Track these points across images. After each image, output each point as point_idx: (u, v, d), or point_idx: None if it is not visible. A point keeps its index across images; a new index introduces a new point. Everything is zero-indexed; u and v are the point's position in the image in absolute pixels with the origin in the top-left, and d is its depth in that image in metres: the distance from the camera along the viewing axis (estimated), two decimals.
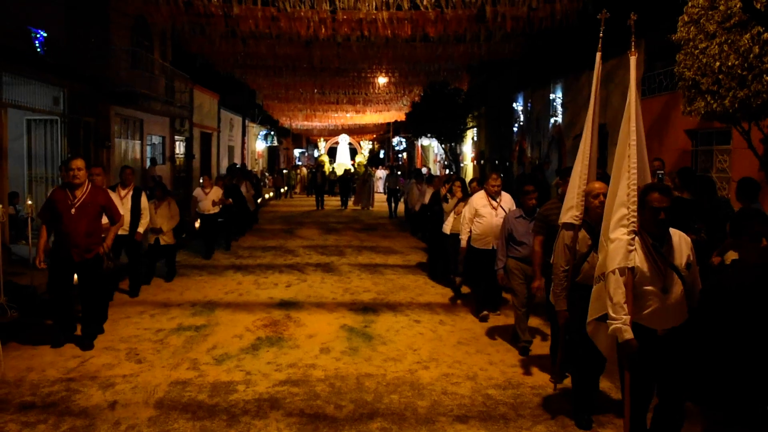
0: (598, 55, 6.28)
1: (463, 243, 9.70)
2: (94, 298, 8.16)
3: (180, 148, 27.39)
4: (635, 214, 4.74)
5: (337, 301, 10.79)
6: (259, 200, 23.48)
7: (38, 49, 16.15)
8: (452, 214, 11.13)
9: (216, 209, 15.16)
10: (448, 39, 16.36)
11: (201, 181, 16.33)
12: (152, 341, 8.32)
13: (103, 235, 8.21)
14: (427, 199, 15.42)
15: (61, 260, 7.85)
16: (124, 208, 9.95)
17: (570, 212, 6.02)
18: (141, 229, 10.64)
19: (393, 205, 26.59)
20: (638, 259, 4.67)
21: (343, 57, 18.95)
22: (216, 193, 15.22)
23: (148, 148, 23.48)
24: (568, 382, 6.64)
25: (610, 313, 4.68)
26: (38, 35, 16.30)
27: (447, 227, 11.33)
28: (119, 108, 19.73)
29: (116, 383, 6.74)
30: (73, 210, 7.69)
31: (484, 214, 9.38)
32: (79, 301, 8.17)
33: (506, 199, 9.56)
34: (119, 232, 9.10)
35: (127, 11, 19.49)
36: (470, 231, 9.56)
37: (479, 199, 9.58)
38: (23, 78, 14.42)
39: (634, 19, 5.73)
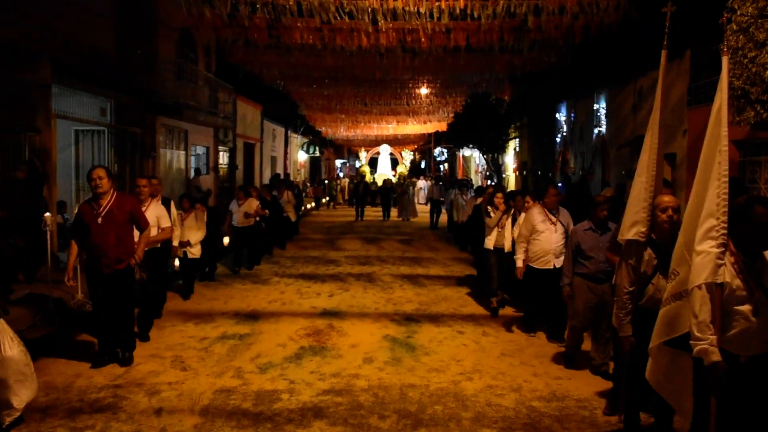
0: (664, 53, 5.71)
1: (520, 262, 9.06)
2: (127, 311, 7.88)
3: (223, 158, 27.68)
4: (725, 225, 4.32)
5: (380, 312, 10.79)
6: (300, 211, 23.57)
7: (87, 61, 16.46)
8: (495, 228, 10.55)
9: (250, 221, 14.66)
10: (490, 49, 16.30)
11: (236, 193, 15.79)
12: (197, 349, 8.40)
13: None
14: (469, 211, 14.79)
15: (93, 274, 7.67)
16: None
17: (634, 228, 5.48)
18: (175, 242, 10.56)
19: (435, 216, 25.95)
20: (728, 275, 4.26)
21: (385, 68, 18.99)
22: (250, 205, 14.65)
23: (193, 159, 23.77)
24: None
25: (695, 332, 4.29)
26: (87, 47, 16.62)
27: (489, 242, 10.65)
28: (165, 119, 20.00)
29: (162, 390, 6.81)
30: (99, 219, 7.46)
31: (542, 230, 8.80)
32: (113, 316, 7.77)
33: (564, 215, 8.98)
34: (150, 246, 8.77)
35: (173, 24, 19.79)
36: (527, 249, 8.98)
37: (537, 214, 8.94)
38: (72, 89, 14.70)
39: (725, 17, 5.47)
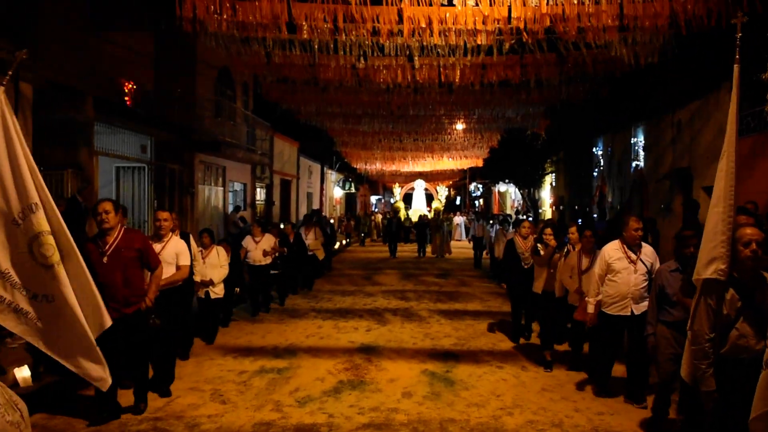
0: (736, 67, 5.11)
1: (591, 308, 7.87)
2: (140, 360, 7.23)
3: (260, 194, 27.93)
4: None
5: (418, 346, 10.71)
6: (334, 247, 23.34)
7: (127, 100, 16.82)
8: (545, 268, 9.60)
9: (268, 260, 13.64)
10: (527, 83, 16.32)
11: (251, 229, 14.69)
12: (236, 383, 8.41)
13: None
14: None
15: None
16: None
17: (712, 265, 4.84)
18: (197, 278, 9.95)
19: (479, 253, 24.46)
20: None
21: (421, 104, 19.07)
22: (268, 241, 13.74)
23: (230, 195, 24.03)
24: None
25: None
26: (128, 86, 16.99)
27: (538, 285, 9.75)
28: (203, 155, 20.29)
29: (201, 423, 6.82)
30: (105, 259, 6.77)
31: (619, 269, 7.57)
32: (126, 365, 7.10)
33: (648, 252, 7.69)
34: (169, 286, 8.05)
35: (212, 63, 20.14)
36: (599, 293, 7.82)
37: (613, 250, 7.70)
38: (113, 127, 15.00)
39: None
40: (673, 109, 17.37)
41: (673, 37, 12.19)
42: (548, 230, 9.86)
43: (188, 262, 8.34)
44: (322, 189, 40.40)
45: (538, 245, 9.85)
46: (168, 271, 7.86)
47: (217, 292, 10.87)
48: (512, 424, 6.92)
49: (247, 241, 13.72)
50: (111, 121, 14.81)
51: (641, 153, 20.33)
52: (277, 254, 14.14)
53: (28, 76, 12.14)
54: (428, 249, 30.00)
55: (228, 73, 22.27)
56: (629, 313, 7.51)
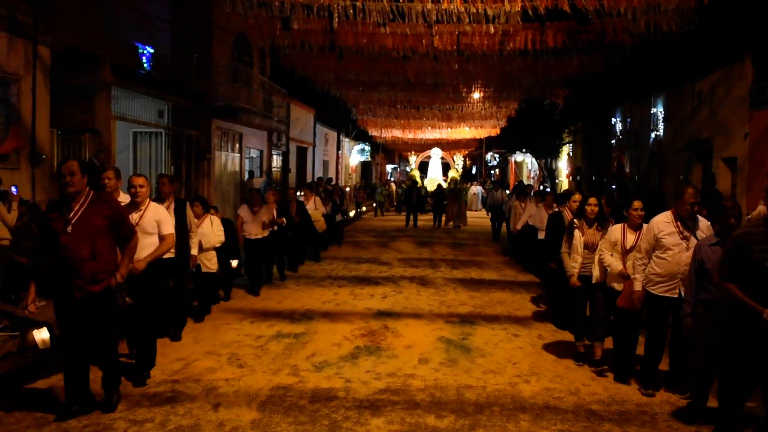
0: None
1: (638, 286, 6.91)
2: (107, 346, 6.23)
3: (277, 161, 27.92)
4: None
5: (434, 313, 10.73)
6: (345, 217, 22.41)
7: (145, 65, 16.79)
8: (578, 247, 8.03)
9: (266, 233, 12.30)
10: (546, 52, 16.16)
11: (248, 197, 13.00)
12: (253, 347, 8.45)
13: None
14: (538, 220, 12.65)
15: (62, 298, 5.96)
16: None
17: None
18: (193, 250, 8.87)
19: (497, 224, 22.67)
20: None
21: (439, 72, 18.92)
22: (267, 212, 12.43)
23: (246, 161, 24.04)
24: None
25: None
26: (145, 52, 16.95)
27: (574, 266, 8.08)
28: (220, 121, 20.26)
29: (219, 386, 6.86)
30: (69, 227, 5.82)
31: (669, 245, 6.67)
32: (91, 351, 6.16)
33: (704, 228, 6.78)
34: (167, 255, 7.44)
35: (229, 28, 20.04)
36: (643, 266, 6.91)
37: (664, 223, 6.78)
38: (131, 92, 14.99)
39: None
40: (694, 80, 17.17)
41: (696, 8, 12.02)
42: (592, 200, 8.11)
43: (172, 230, 7.37)
44: (338, 157, 40.34)
45: (576, 221, 8.20)
46: (149, 243, 7.03)
47: (209, 266, 10.09)
48: (529, 392, 6.92)
49: (244, 211, 12.29)
50: (128, 86, 14.79)
51: (660, 124, 20.15)
52: (275, 227, 12.91)
53: (46, 40, 12.18)
54: (443, 219, 28.78)
55: (245, 39, 22.14)
56: (677, 295, 6.67)
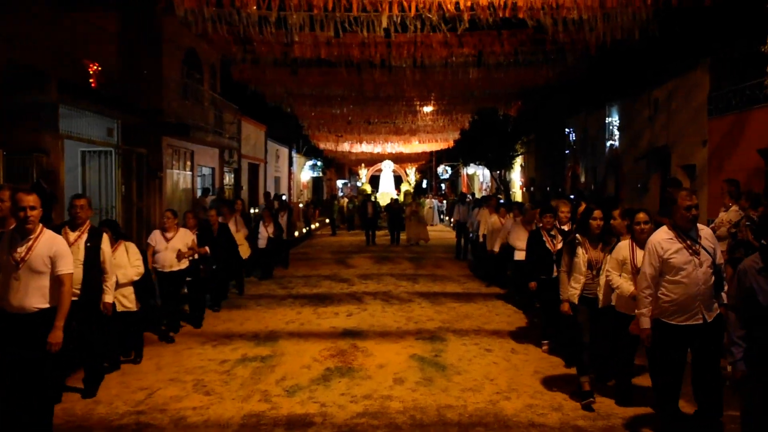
0: None
1: (645, 323, 5.72)
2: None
3: (229, 179, 27.45)
4: None
5: (402, 330, 10.45)
6: (287, 235, 19.43)
7: (93, 82, 16.24)
8: (581, 266, 7.11)
9: (183, 265, 10.09)
10: (500, 65, 16.12)
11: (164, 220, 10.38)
12: (218, 372, 8.07)
13: None
14: (515, 238, 11.49)
15: None
16: (75, 260, 6.44)
17: None
18: (107, 297, 7.24)
19: (464, 242, 20.32)
20: None
21: (396, 83, 18.77)
22: (183, 238, 10.10)
23: (199, 179, 23.54)
24: None
25: None
26: (93, 68, 16.40)
27: (574, 290, 7.18)
28: (171, 139, 19.76)
29: (187, 416, 6.49)
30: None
31: (680, 264, 5.56)
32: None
33: (708, 235, 5.76)
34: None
35: (179, 43, 19.59)
36: (650, 297, 5.73)
37: (666, 241, 5.65)
38: (79, 110, 14.46)
39: None
40: (650, 88, 17.26)
41: (653, 17, 12.00)
42: (598, 212, 7.18)
43: (71, 269, 5.80)
44: (290, 173, 39.94)
45: (579, 237, 7.24)
46: (38, 285, 5.60)
47: (127, 304, 8.26)
48: (511, 409, 6.69)
49: (156, 238, 10.06)
50: (76, 104, 14.23)
51: (616, 133, 20.25)
52: (196, 256, 10.59)
53: None
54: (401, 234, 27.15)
55: (195, 55, 21.70)
56: (701, 321, 5.58)
